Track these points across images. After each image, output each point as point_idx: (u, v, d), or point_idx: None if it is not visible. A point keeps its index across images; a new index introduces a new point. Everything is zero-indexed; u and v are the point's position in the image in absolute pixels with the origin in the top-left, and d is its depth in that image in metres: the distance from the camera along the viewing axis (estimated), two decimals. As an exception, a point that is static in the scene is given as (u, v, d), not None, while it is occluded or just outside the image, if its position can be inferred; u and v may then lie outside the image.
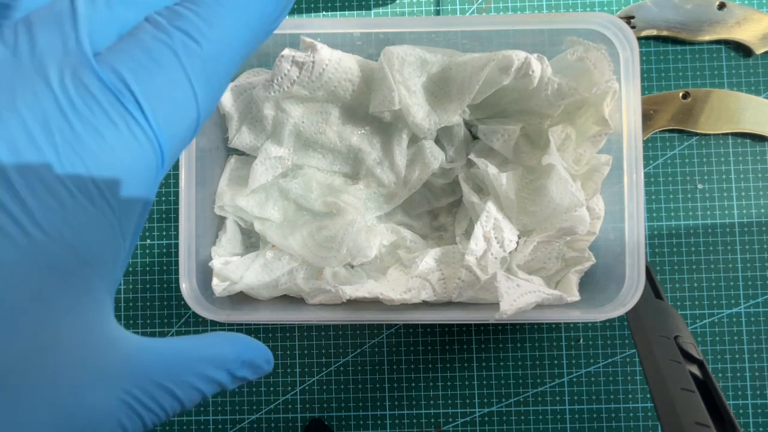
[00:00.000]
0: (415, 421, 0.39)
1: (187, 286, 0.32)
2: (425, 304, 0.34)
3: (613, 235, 0.33)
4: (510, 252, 0.34)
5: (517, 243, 0.34)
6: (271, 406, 0.39)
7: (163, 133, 0.15)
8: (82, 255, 0.14)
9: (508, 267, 0.34)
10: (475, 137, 0.37)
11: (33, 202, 0.13)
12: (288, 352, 0.39)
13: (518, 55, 0.31)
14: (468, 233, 0.35)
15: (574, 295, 0.33)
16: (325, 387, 0.39)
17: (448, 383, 0.39)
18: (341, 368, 0.39)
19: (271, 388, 0.39)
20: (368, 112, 0.34)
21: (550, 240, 0.34)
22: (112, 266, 0.16)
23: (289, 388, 0.39)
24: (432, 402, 0.39)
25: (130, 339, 0.16)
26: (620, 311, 0.31)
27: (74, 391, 0.15)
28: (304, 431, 0.39)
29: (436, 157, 0.35)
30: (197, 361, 0.17)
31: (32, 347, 0.14)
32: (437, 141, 0.36)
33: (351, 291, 0.32)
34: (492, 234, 0.33)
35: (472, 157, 0.35)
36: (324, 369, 0.39)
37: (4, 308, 0.13)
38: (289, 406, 0.39)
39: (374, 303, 0.34)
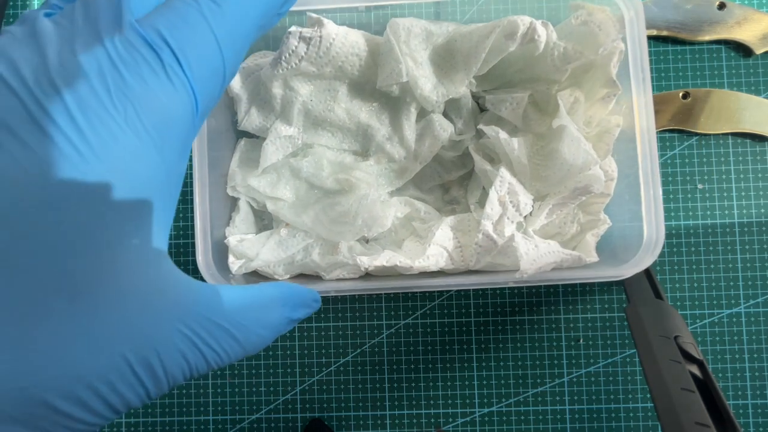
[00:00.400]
0: (415, 421, 0.39)
1: (204, 265, 0.33)
2: (442, 273, 0.34)
3: (629, 196, 0.33)
4: (525, 216, 0.34)
5: (532, 207, 0.34)
6: (271, 406, 0.39)
7: (196, 82, 0.17)
8: (135, 186, 0.17)
9: (524, 232, 0.34)
10: (482, 109, 0.37)
11: (90, 132, 0.16)
12: (288, 352, 0.39)
13: (523, 21, 0.31)
14: (481, 203, 0.35)
15: (593, 256, 0.33)
16: (325, 387, 0.39)
17: (448, 383, 0.39)
18: (341, 368, 0.39)
19: (271, 388, 0.39)
20: (376, 87, 0.34)
21: (565, 202, 0.34)
22: (161, 204, 0.18)
23: (289, 388, 0.39)
24: (432, 402, 0.39)
25: (189, 281, 0.18)
26: (640, 267, 0.31)
27: (141, 313, 0.17)
28: (304, 431, 0.39)
29: (445, 129, 0.35)
30: (252, 307, 0.19)
31: (101, 263, 0.16)
32: (445, 115, 0.36)
33: (369, 261, 0.32)
34: (507, 198, 0.33)
35: (481, 126, 0.35)
36: (324, 369, 0.39)
37: (74, 222, 0.16)
38: (289, 406, 0.39)
39: (391, 276, 0.34)
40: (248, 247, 0.35)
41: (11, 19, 0.41)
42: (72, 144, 0.15)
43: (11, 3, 0.41)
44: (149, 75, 0.17)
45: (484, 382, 0.39)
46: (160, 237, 0.18)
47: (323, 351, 0.39)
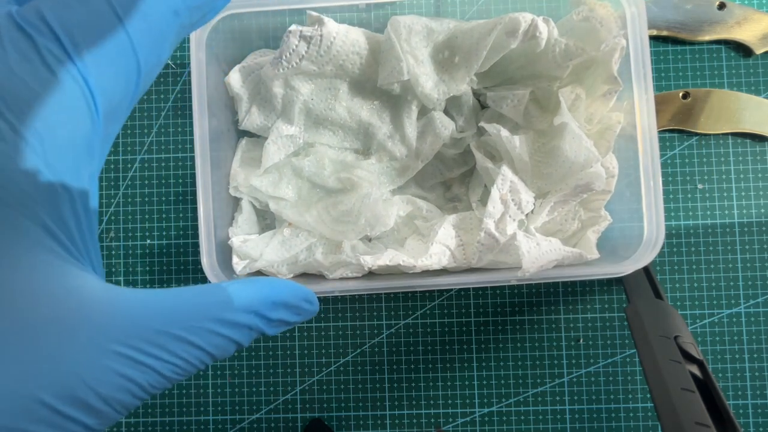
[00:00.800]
0: (415, 421, 0.39)
1: (208, 267, 0.32)
2: (445, 272, 0.34)
3: (629, 193, 0.33)
4: (527, 214, 0.34)
5: (534, 205, 0.34)
6: (271, 406, 0.39)
7: (87, 68, 0.15)
8: (1, 196, 0.14)
9: (525, 229, 0.34)
10: (483, 107, 0.37)
11: None
12: (288, 352, 0.39)
13: (525, 17, 0.31)
14: (483, 200, 0.35)
15: (594, 253, 0.34)
16: (325, 387, 0.39)
17: (448, 383, 0.39)
18: (341, 368, 0.39)
19: (271, 388, 0.39)
20: (376, 86, 0.34)
21: (566, 199, 0.34)
22: (53, 212, 0.15)
23: (289, 388, 0.39)
24: (432, 402, 0.39)
25: (118, 292, 0.16)
26: (640, 264, 0.31)
27: (37, 344, 0.14)
28: (304, 431, 0.39)
29: (446, 126, 0.35)
30: (210, 307, 0.17)
31: None
32: (446, 112, 0.36)
33: (372, 260, 0.32)
34: (509, 196, 0.33)
35: (482, 124, 0.35)
36: (324, 369, 0.39)
37: None
38: (289, 406, 0.39)
39: (394, 275, 0.34)
40: (252, 247, 0.35)
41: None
42: None
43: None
44: (17, 63, 0.14)
45: (484, 382, 0.39)
46: (60, 252, 0.15)
47: (323, 351, 0.39)
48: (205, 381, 0.39)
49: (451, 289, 0.39)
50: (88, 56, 0.15)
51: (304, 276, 0.36)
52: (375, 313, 0.39)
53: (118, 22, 0.15)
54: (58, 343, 0.14)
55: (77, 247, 0.16)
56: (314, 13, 0.32)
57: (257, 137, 0.37)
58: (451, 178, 0.38)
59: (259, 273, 0.36)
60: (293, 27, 0.32)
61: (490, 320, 0.39)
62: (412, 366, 0.39)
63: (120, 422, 0.39)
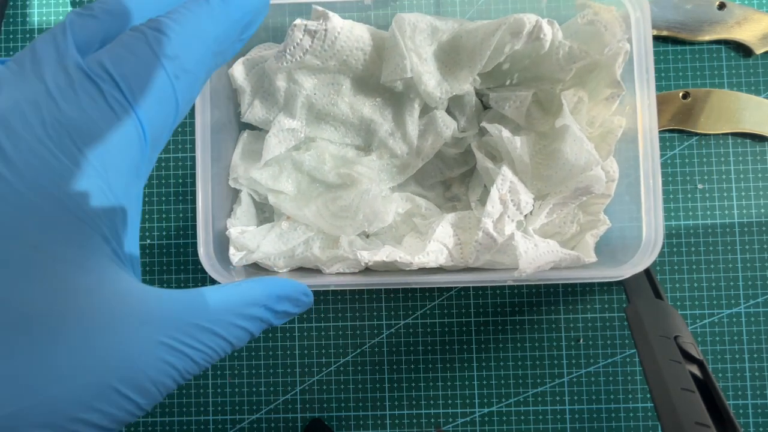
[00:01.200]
0: (415, 421, 0.39)
1: (205, 257, 0.33)
2: (442, 270, 0.34)
3: (629, 197, 0.33)
4: (526, 215, 0.34)
5: (533, 206, 0.34)
6: (271, 406, 0.39)
7: (142, 110, 0.18)
8: (74, 210, 0.17)
9: (524, 231, 0.34)
10: (485, 107, 0.37)
11: (20, 161, 0.16)
12: (288, 352, 0.39)
13: (530, 19, 0.31)
14: (482, 200, 0.35)
15: (592, 257, 0.34)
16: (325, 387, 0.39)
17: (448, 383, 0.39)
18: (341, 368, 0.39)
19: (271, 388, 0.39)
20: (379, 82, 0.34)
21: (566, 201, 0.34)
22: (110, 224, 0.18)
23: (289, 388, 0.39)
24: (432, 402, 0.39)
25: (160, 292, 0.19)
26: (638, 269, 0.31)
27: (105, 336, 0.17)
28: (304, 431, 0.39)
29: (448, 126, 0.35)
30: (232, 303, 0.20)
31: (47, 296, 0.16)
32: (448, 111, 0.36)
33: (369, 256, 0.32)
34: (508, 197, 0.33)
35: (484, 124, 0.35)
36: (324, 369, 0.39)
37: (11, 258, 0.16)
38: (289, 406, 0.39)
39: (391, 272, 0.34)
40: (249, 239, 0.35)
41: (11, 19, 0.41)
42: (0, 175, 0.16)
43: (11, 3, 0.41)
44: (88, 104, 0.17)
45: (484, 382, 0.39)
46: (110, 255, 0.18)
47: (323, 351, 0.39)
48: (205, 381, 0.39)
49: (451, 289, 0.39)
50: (140, 98, 0.18)
51: (301, 270, 0.36)
52: (375, 313, 0.39)
53: (161, 70, 0.18)
54: (121, 337, 0.17)
55: (124, 254, 0.19)
56: (319, 8, 0.32)
57: (259, 130, 0.37)
58: (451, 177, 0.38)
59: (255, 265, 0.36)
60: (298, 21, 0.32)
61: (490, 320, 0.39)
62: (412, 366, 0.39)
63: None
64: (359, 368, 0.39)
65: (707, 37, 0.38)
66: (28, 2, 0.41)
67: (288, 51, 0.32)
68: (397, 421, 0.39)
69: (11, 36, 0.41)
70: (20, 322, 0.15)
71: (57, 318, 0.16)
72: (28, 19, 0.41)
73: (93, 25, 0.19)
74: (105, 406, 0.16)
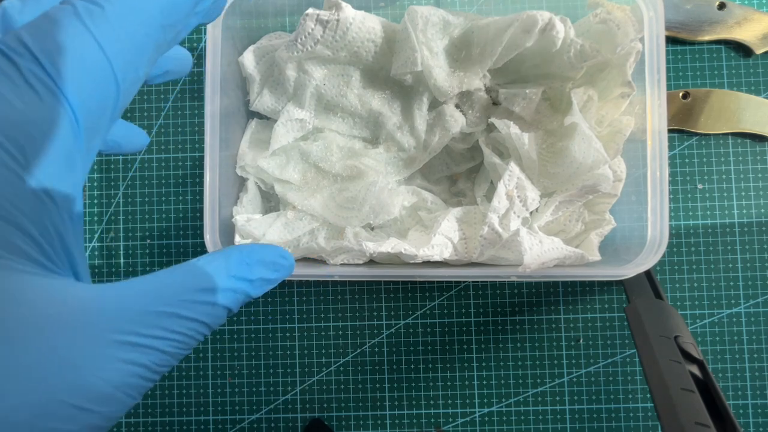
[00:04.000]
0: (415, 421, 0.39)
1: (211, 244, 0.32)
2: (446, 264, 0.34)
3: (635, 197, 0.33)
4: (531, 212, 0.34)
5: (539, 203, 0.34)
6: (271, 406, 0.39)
7: (68, 88, 0.16)
8: None
9: (529, 227, 0.34)
10: (495, 103, 0.37)
11: None
12: (288, 352, 0.39)
13: (542, 15, 0.31)
14: (488, 196, 0.35)
15: (596, 255, 0.33)
16: (325, 387, 0.39)
17: (448, 383, 0.39)
18: (341, 368, 0.39)
19: (271, 388, 0.39)
20: (389, 75, 0.34)
21: (572, 199, 0.34)
22: (36, 223, 0.16)
23: (289, 388, 0.39)
24: (432, 402, 0.39)
25: (100, 288, 0.17)
26: (642, 268, 0.31)
27: (36, 349, 0.14)
28: (304, 431, 0.39)
29: (456, 120, 0.35)
30: (196, 279, 0.18)
31: None
32: (457, 106, 0.36)
33: (374, 247, 0.32)
34: (515, 193, 0.33)
35: (493, 120, 0.35)
36: (324, 369, 0.39)
37: None
38: (289, 406, 0.39)
39: (395, 264, 0.34)
40: (255, 227, 0.35)
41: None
42: None
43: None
44: (3, 84, 0.15)
45: (484, 382, 0.39)
46: (44, 261, 0.16)
47: (323, 351, 0.39)
48: (205, 381, 0.39)
49: (451, 289, 0.39)
50: (68, 77, 0.16)
51: (305, 260, 0.36)
52: (375, 313, 0.39)
53: (94, 43, 0.16)
54: (57, 345, 0.15)
55: (57, 254, 0.17)
56: None
57: (267, 119, 0.37)
58: (458, 172, 0.38)
59: None
60: (310, 10, 0.31)
61: (490, 320, 0.39)
62: (412, 366, 0.39)
63: (120, 422, 0.39)
64: (359, 368, 0.39)
65: (707, 37, 0.38)
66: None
67: (299, 40, 0.32)
68: (397, 421, 0.39)
69: None
70: None
71: None
72: None
73: (32, 9, 0.17)
74: (56, 424, 0.14)
